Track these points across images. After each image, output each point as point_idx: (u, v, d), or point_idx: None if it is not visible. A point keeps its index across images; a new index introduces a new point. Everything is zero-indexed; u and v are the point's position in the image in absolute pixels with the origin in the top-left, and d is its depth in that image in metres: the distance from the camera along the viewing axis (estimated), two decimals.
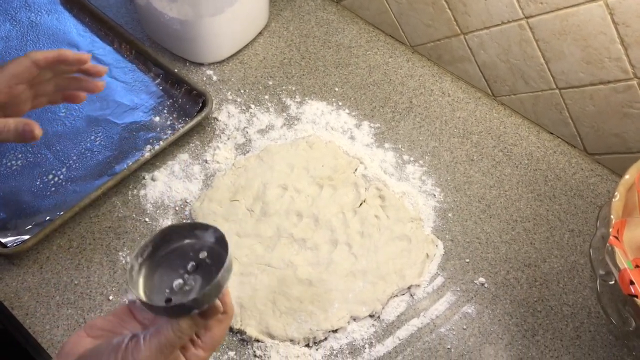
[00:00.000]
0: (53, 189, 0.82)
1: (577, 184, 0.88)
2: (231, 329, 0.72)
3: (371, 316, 0.75)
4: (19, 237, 0.77)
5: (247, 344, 0.72)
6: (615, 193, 0.64)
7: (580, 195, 0.86)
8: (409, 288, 0.77)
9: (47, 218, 0.79)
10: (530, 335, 0.74)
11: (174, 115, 0.90)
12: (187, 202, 0.83)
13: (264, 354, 0.71)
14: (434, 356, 0.72)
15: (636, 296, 0.55)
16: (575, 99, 0.85)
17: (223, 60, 0.98)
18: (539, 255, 0.81)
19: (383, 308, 0.75)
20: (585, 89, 0.83)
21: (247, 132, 0.90)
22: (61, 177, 0.84)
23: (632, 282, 0.55)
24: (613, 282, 0.62)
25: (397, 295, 0.76)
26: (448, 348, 0.73)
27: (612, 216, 0.63)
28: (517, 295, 0.77)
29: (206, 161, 0.87)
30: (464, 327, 0.74)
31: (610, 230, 0.61)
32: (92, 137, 0.88)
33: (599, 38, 0.77)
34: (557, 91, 0.87)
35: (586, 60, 0.81)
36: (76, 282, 0.76)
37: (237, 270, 0.76)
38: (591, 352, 0.73)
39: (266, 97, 0.94)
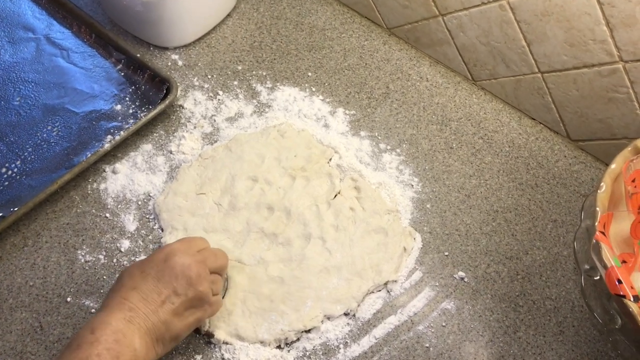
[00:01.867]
0: (6, 183, 0.77)
1: (560, 172, 0.84)
2: (198, 332, 0.68)
3: (346, 314, 0.71)
4: None
5: (214, 347, 0.68)
6: (601, 184, 0.61)
7: (563, 184, 0.83)
8: (385, 284, 0.73)
9: (0, 215, 0.74)
10: (512, 332, 0.71)
11: (137, 103, 0.85)
12: (150, 196, 0.78)
13: (233, 357, 0.67)
14: (411, 355, 0.69)
15: (624, 296, 0.52)
16: (558, 83, 0.82)
17: (189, 44, 0.93)
18: (521, 247, 0.77)
19: (358, 306, 0.71)
20: (568, 73, 0.80)
21: (214, 121, 0.85)
22: (15, 170, 0.78)
23: (619, 281, 0.52)
24: (598, 277, 0.59)
25: (373, 292, 0.73)
26: (426, 347, 0.69)
27: (597, 208, 0.59)
28: (498, 290, 0.74)
29: (171, 152, 0.82)
30: (443, 324, 0.71)
31: (596, 224, 0.57)
32: (49, 128, 0.83)
33: (583, 19, 0.73)
34: (539, 75, 0.83)
35: (569, 43, 0.77)
36: (31, 283, 0.71)
37: None
38: (575, 348, 0.70)
39: (235, 82, 0.89)
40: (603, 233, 0.56)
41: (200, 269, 0.62)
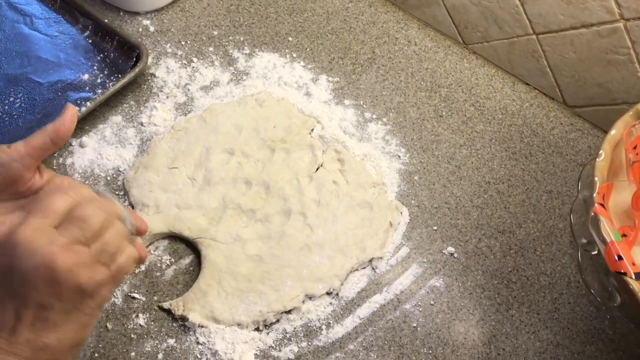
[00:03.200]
0: None
1: (555, 140, 0.80)
2: (172, 315, 0.64)
3: (328, 294, 0.67)
4: None
5: (188, 330, 0.64)
6: (600, 151, 0.56)
7: (559, 153, 0.79)
8: (370, 261, 0.69)
9: None
10: (505, 310, 0.67)
11: (105, 72, 0.80)
12: (120, 171, 0.73)
13: (208, 341, 0.63)
14: (398, 335, 0.65)
15: (624, 274, 0.48)
16: (554, 45, 0.77)
17: (161, 8, 0.87)
18: (514, 221, 0.73)
19: (342, 284, 0.67)
20: (565, 34, 0.75)
21: (188, 90, 0.80)
22: None
23: (619, 257, 0.48)
24: (596, 252, 0.55)
25: (357, 270, 0.69)
26: (414, 326, 0.66)
27: (596, 178, 0.55)
28: (490, 266, 0.70)
29: (142, 124, 0.77)
30: (432, 302, 0.67)
31: (595, 195, 0.53)
32: (11, 99, 0.77)
33: None
34: (534, 37, 0.78)
35: (566, 1, 0.72)
36: None
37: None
38: (570, 326, 0.67)
39: (210, 49, 0.84)
40: (602, 205, 0.52)
41: (69, 256, 0.42)
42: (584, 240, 0.57)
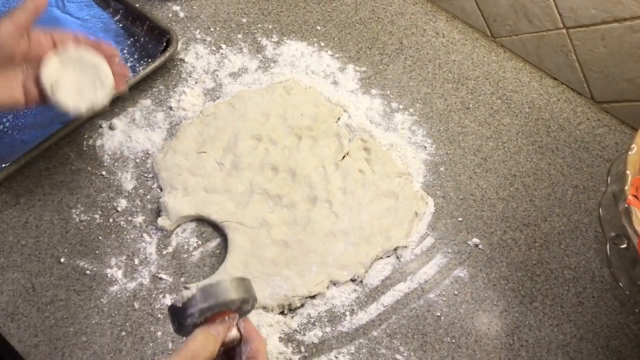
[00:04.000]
0: None
1: (582, 135, 0.79)
2: None
3: (353, 281, 0.67)
4: None
5: None
6: (632, 145, 0.56)
7: (585, 148, 0.78)
8: (395, 250, 0.69)
9: None
10: (528, 302, 0.67)
11: (135, 56, 0.81)
12: (148, 154, 0.74)
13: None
14: (421, 324, 0.65)
15: None
16: (584, 39, 0.76)
17: None
18: (539, 214, 0.73)
19: (366, 272, 0.68)
20: (596, 28, 0.74)
21: (217, 76, 0.80)
22: (7, 125, 0.75)
23: None
24: (625, 245, 0.55)
25: (381, 258, 0.69)
26: (437, 315, 0.66)
27: (628, 171, 0.55)
28: (515, 258, 0.70)
29: (171, 108, 0.78)
30: (455, 292, 0.67)
31: (627, 187, 0.53)
32: None
33: None
34: (564, 31, 0.78)
35: None
36: (23, 242, 0.67)
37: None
38: (594, 320, 0.67)
39: (239, 36, 0.84)
40: (636, 197, 0.52)
41: None
42: (613, 234, 0.57)
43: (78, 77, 0.64)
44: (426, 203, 0.73)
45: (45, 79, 0.62)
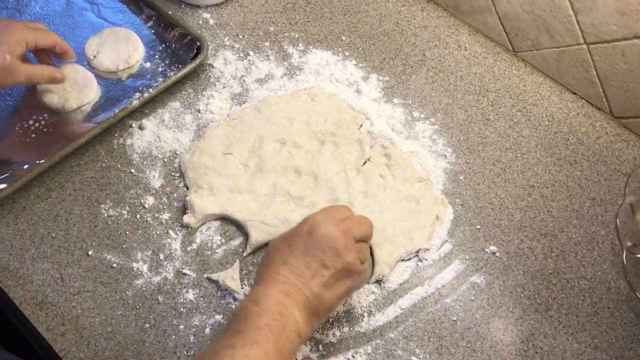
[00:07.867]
0: (33, 135, 0.76)
1: (600, 149, 0.80)
2: (220, 292, 0.67)
3: (378, 281, 0.69)
4: None
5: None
6: None
7: (603, 162, 0.79)
8: (417, 252, 0.71)
9: (25, 167, 0.73)
10: (544, 310, 0.68)
11: (167, 62, 0.83)
12: (176, 154, 0.76)
13: None
14: (438, 328, 0.66)
15: None
16: (604, 55, 0.78)
17: (221, 3, 0.91)
18: (556, 224, 0.74)
19: (390, 272, 0.69)
20: (617, 44, 0.76)
21: (244, 81, 0.83)
22: (42, 122, 0.77)
23: None
24: None
25: (404, 260, 0.70)
26: (454, 320, 0.67)
27: None
28: (531, 266, 0.71)
29: (199, 111, 0.80)
30: (472, 298, 0.69)
31: None
32: None
33: None
34: (584, 46, 0.79)
35: (621, 11, 0.73)
36: (54, 234, 0.70)
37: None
38: (609, 330, 0.67)
39: (266, 44, 0.87)
40: None
41: (346, 239, 0.58)
42: (630, 243, 0.58)
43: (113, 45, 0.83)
44: (447, 207, 0.74)
45: (88, 51, 0.82)
